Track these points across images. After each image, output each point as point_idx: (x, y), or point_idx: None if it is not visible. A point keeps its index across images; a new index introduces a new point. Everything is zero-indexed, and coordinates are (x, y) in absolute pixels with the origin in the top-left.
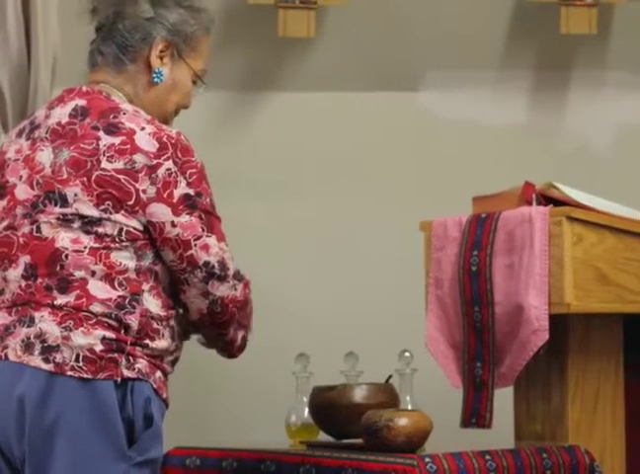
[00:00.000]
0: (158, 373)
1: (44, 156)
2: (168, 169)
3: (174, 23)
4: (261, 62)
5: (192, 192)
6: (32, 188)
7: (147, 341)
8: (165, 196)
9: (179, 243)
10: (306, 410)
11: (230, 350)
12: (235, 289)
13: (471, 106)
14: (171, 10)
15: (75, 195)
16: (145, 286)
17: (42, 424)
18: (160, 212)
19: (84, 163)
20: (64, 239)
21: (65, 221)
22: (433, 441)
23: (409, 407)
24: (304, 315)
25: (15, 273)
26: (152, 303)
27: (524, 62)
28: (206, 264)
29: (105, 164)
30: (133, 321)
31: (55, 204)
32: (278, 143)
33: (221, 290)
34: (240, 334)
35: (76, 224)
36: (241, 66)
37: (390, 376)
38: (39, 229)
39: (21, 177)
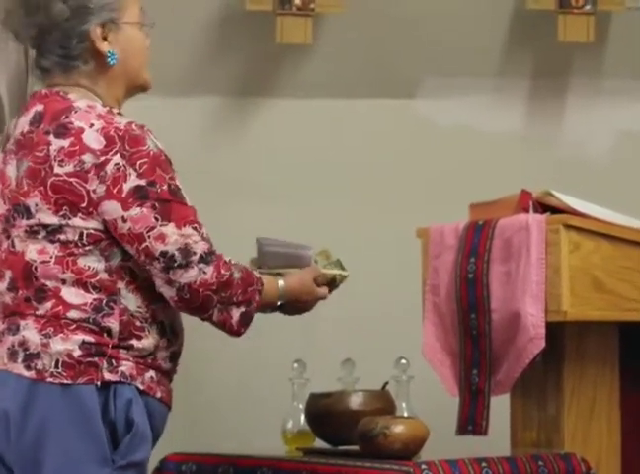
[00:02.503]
0: (149, 374)
1: (11, 169)
2: (116, 163)
3: (94, 4)
4: (259, 68)
5: (143, 182)
6: (4, 203)
7: (132, 341)
8: (115, 191)
9: (133, 237)
10: (303, 416)
11: (226, 329)
12: (204, 273)
13: (469, 113)
14: None
15: (36, 205)
16: (121, 285)
17: (27, 431)
18: (111, 209)
19: (39, 172)
20: (32, 251)
21: (32, 233)
22: (429, 449)
23: (405, 414)
24: (301, 322)
25: (2, 286)
26: (131, 300)
27: (522, 70)
28: (164, 253)
29: (57, 169)
30: (113, 323)
31: (22, 217)
32: (275, 149)
33: (186, 277)
34: (234, 312)
35: (41, 235)
36: (239, 72)
37: (386, 383)
38: (13, 244)
39: None
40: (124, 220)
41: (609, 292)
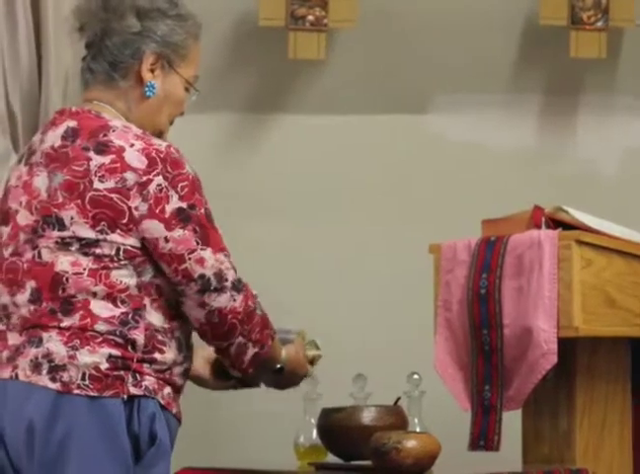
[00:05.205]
0: (167, 389)
1: (40, 181)
2: (158, 184)
3: (162, 34)
4: (271, 84)
5: (184, 205)
6: (31, 213)
7: (155, 355)
8: (157, 211)
9: (172, 257)
10: (315, 431)
11: (237, 365)
12: (234, 300)
13: (480, 129)
14: (158, 21)
15: (71, 218)
16: (147, 301)
17: (51, 443)
18: (153, 228)
19: (77, 185)
20: (64, 262)
21: (64, 245)
22: (441, 464)
23: (417, 429)
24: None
25: (23, 297)
26: (154, 316)
27: (534, 86)
28: (202, 276)
29: (97, 184)
30: (139, 335)
31: (53, 229)
32: (288, 165)
33: (218, 301)
34: (249, 350)
35: (74, 247)
36: (251, 88)
37: (399, 398)
38: (39, 254)
39: (21, 203)
40: (167, 240)
41: (621, 308)
